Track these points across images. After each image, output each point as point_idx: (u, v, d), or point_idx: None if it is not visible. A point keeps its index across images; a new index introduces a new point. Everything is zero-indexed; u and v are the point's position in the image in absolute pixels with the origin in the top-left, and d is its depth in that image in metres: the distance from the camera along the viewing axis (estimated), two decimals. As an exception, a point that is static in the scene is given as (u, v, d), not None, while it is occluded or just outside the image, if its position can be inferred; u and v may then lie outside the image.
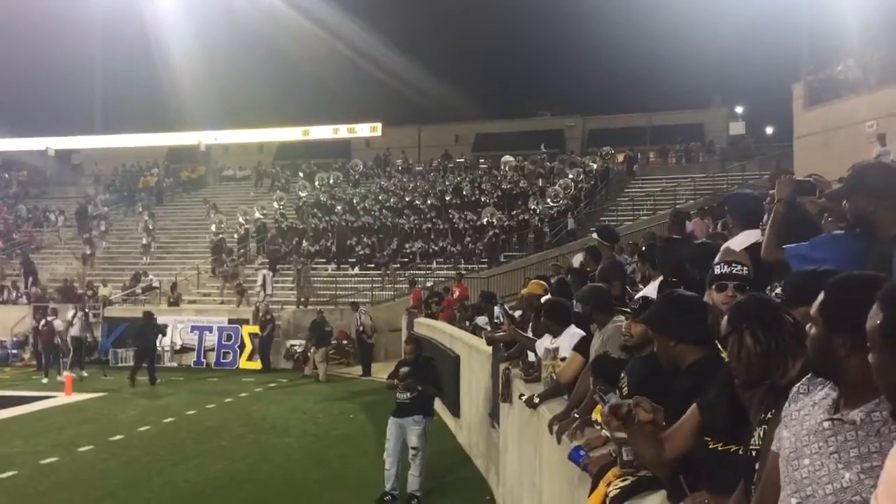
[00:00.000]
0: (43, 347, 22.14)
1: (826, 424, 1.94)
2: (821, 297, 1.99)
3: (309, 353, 21.97)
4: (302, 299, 25.45)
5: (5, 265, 31.02)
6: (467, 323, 15.37)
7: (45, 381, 20.75)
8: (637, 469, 3.70)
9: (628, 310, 4.79)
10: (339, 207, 31.60)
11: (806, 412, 2.04)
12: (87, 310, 23.70)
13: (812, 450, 1.94)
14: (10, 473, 11.24)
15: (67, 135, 42.33)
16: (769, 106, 36.21)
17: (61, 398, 17.94)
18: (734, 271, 3.73)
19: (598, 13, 42.85)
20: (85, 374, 21.08)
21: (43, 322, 22.32)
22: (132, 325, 24.63)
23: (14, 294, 28.01)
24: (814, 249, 3.44)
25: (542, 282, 8.80)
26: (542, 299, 7.66)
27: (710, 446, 2.87)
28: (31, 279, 28.67)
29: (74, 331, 21.71)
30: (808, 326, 2.03)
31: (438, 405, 12.52)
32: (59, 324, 22.02)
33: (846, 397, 1.95)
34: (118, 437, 13.73)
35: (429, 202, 30.51)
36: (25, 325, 25.48)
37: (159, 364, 23.75)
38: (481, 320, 13.14)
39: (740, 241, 4.33)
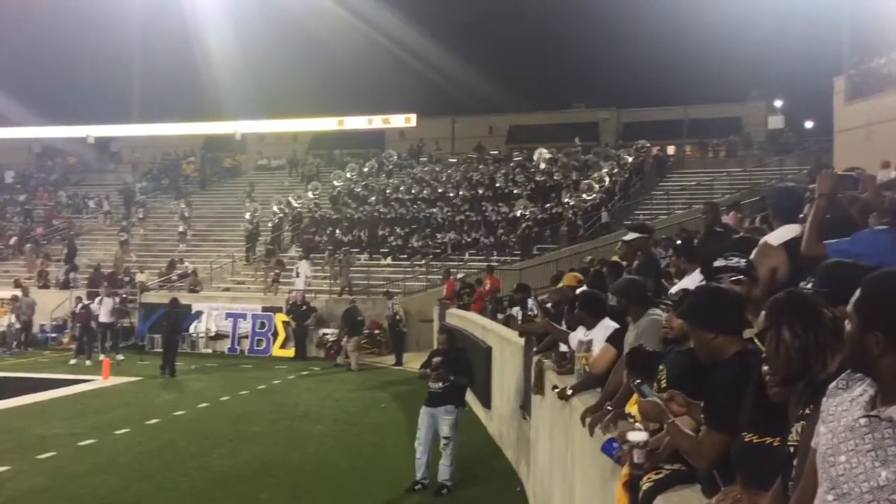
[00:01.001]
0: (79, 330, 22.62)
1: (863, 421, 1.92)
2: (857, 293, 1.97)
3: (342, 343, 22.11)
4: (346, 288, 25.61)
5: (46, 250, 31.60)
6: (499, 315, 15.38)
7: (73, 362, 21.20)
8: (646, 472, 3.70)
9: (665, 303, 4.76)
10: (372, 198, 31.73)
11: (843, 408, 2.02)
12: (117, 295, 24.00)
13: (848, 446, 1.92)
14: (49, 454, 11.48)
15: (106, 123, 42.97)
16: (809, 100, 35.59)
17: (99, 382, 18.27)
18: (730, 264, 3.71)
19: (634, 5, 42.43)
20: (121, 357, 21.42)
21: (81, 305, 22.74)
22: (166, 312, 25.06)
23: (59, 278, 28.50)
24: (855, 245, 3.40)
25: (577, 274, 8.78)
26: (577, 291, 7.64)
27: (746, 439, 2.85)
28: (70, 264, 29.18)
29: (103, 316, 22.05)
30: (845, 322, 2.01)
31: (469, 396, 12.55)
32: (95, 307, 22.41)
33: (884, 394, 1.93)
34: (154, 420, 13.96)
35: (461, 193, 30.52)
36: (65, 309, 25.95)
37: (194, 350, 24.20)
38: (515, 310, 13.14)
39: (779, 236, 4.30)
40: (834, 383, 2.13)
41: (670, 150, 36.93)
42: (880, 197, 4.26)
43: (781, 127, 38.19)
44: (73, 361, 21.24)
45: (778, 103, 41.68)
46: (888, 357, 1.88)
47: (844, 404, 2.03)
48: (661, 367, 3.98)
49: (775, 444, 2.70)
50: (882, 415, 1.88)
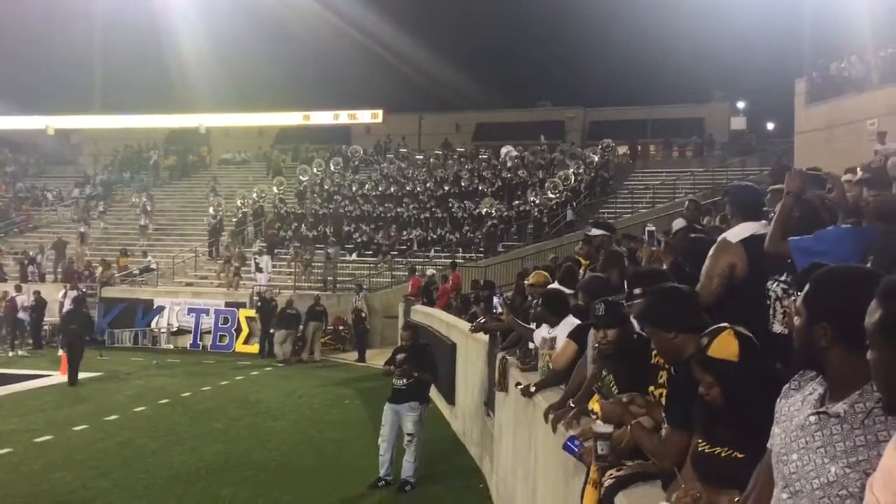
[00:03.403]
0: (6, 323, 22.92)
1: (812, 419, 1.94)
2: (806, 288, 2.00)
3: (307, 336, 22.01)
4: (330, 285, 25.48)
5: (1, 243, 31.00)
6: (464, 316, 15.36)
7: (10, 354, 21.62)
8: (611, 464, 3.74)
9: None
10: (338, 195, 31.60)
11: (795, 408, 2.04)
12: (81, 289, 23.64)
13: (800, 445, 1.95)
14: (4, 451, 11.27)
15: (67, 114, 42.20)
16: (770, 102, 36.20)
17: (57, 377, 17.95)
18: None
19: (600, 5, 42.70)
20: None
21: (9, 297, 22.81)
22: (129, 307, 24.74)
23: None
24: (817, 242, 3.44)
25: (545, 272, 8.81)
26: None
27: (699, 448, 2.89)
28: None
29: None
30: (794, 318, 2.03)
31: (433, 392, 12.55)
32: (22, 299, 22.84)
33: (831, 391, 1.96)
34: (113, 416, 13.75)
35: (427, 189, 30.50)
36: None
37: (156, 346, 23.91)
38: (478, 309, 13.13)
39: (737, 233, 4.34)
40: (787, 385, 2.16)
41: (623, 149, 37.21)
42: (846, 197, 4.33)
43: (743, 128, 38.75)
44: (11, 354, 21.56)
45: (740, 105, 42.28)
46: (835, 349, 1.90)
47: (796, 404, 2.05)
48: (605, 372, 4.02)
49: (723, 454, 2.74)
50: (830, 411, 1.90)
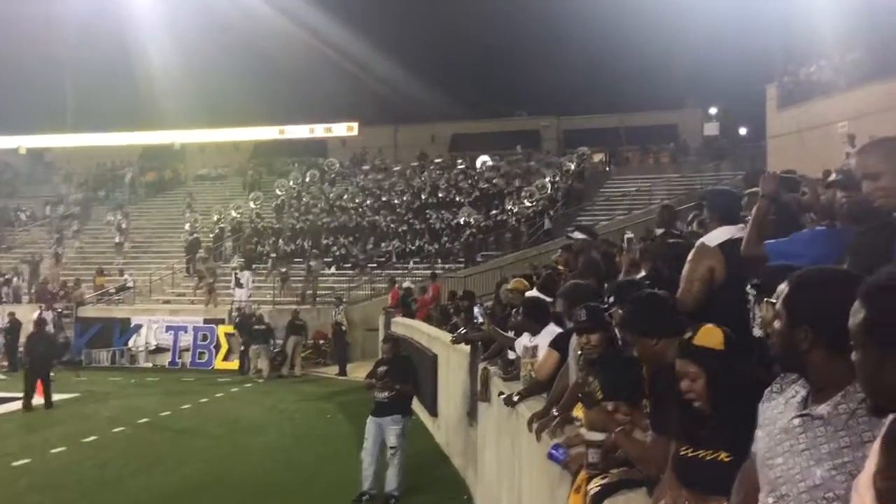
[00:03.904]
0: None
1: (796, 422, 1.94)
2: (785, 291, 2.01)
3: (287, 351, 21.87)
4: (309, 299, 25.34)
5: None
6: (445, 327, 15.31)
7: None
8: (603, 471, 3.73)
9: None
10: (315, 208, 31.51)
11: (779, 411, 2.04)
12: (57, 309, 23.41)
13: (784, 448, 1.94)
14: (-19, 476, 11.08)
15: (39, 133, 41.76)
16: (743, 107, 36.52)
17: (33, 399, 17.65)
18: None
19: (573, 14, 42.96)
20: (52, 374, 20.76)
21: None
22: (106, 326, 24.46)
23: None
24: (793, 245, 3.47)
25: (523, 280, 8.82)
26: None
27: (682, 452, 2.89)
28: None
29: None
30: (774, 321, 2.04)
31: (416, 404, 12.49)
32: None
33: (814, 393, 1.96)
34: (92, 438, 13.57)
35: (405, 200, 30.49)
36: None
37: (134, 364, 23.65)
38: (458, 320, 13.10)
39: (715, 237, 4.37)
40: (770, 388, 2.16)
41: (599, 157, 37.43)
42: (819, 199, 4.37)
43: (716, 133, 39.10)
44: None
45: (712, 111, 42.67)
46: (816, 351, 1.91)
47: (779, 407, 2.05)
48: (591, 378, 4.03)
49: (707, 458, 2.74)
50: (814, 413, 1.90)
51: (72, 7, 41.07)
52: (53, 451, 12.59)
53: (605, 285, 5.57)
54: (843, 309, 1.68)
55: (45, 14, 41.10)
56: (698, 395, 2.75)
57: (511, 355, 7.67)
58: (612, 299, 4.33)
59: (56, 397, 17.73)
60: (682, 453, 2.87)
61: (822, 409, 1.88)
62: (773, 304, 2.37)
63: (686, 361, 2.78)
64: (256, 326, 21.62)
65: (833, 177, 3.88)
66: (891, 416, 1.60)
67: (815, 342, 1.91)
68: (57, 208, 35.82)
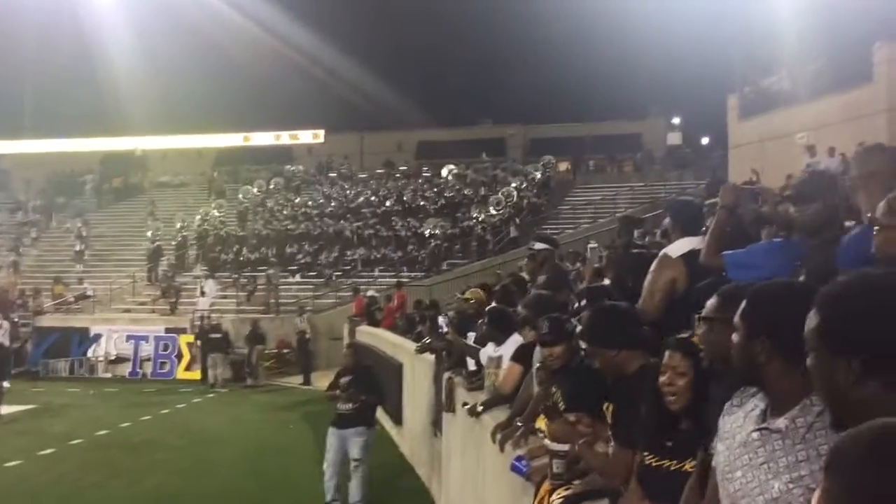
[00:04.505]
0: None
1: (755, 435, 1.94)
2: (743, 304, 2.01)
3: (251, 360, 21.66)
4: (273, 308, 25.11)
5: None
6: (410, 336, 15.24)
7: None
8: (567, 481, 3.72)
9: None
10: (280, 215, 31.29)
11: (738, 424, 2.04)
12: (14, 319, 22.86)
13: (743, 462, 1.94)
14: (-69, 491, 10.77)
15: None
16: (705, 117, 37.04)
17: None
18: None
19: (538, 24, 43.33)
20: (6, 384, 20.29)
21: None
22: (64, 336, 24.00)
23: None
24: (751, 256, 3.49)
25: (479, 290, 8.79)
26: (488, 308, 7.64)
27: (646, 461, 2.87)
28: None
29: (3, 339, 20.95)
30: (732, 335, 2.04)
31: (380, 413, 12.42)
32: None
33: (772, 406, 1.96)
34: (48, 450, 13.26)
35: (370, 208, 30.40)
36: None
37: (93, 375, 23.23)
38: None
39: (678, 248, 4.39)
40: (729, 402, 2.16)
41: (565, 165, 37.72)
42: (777, 210, 4.41)
43: (679, 143, 39.59)
44: None
45: (675, 120, 43.22)
46: (774, 363, 1.91)
47: (739, 421, 2.05)
48: (553, 389, 4.02)
49: (672, 468, 2.72)
50: (772, 426, 1.90)
51: (30, 7, 40.28)
52: (8, 464, 12.27)
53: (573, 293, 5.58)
54: (800, 320, 1.68)
55: (1, 14, 40.26)
56: (678, 392, 2.70)
57: (472, 365, 7.64)
58: (583, 303, 4.33)
59: (11, 409, 17.29)
60: (647, 462, 2.86)
61: (781, 422, 1.89)
62: (702, 318, 2.37)
63: (678, 356, 2.72)
64: (213, 335, 21.37)
65: (788, 190, 3.93)
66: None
67: (772, 354, 1.91)
68: (15, 215, 35.12)
